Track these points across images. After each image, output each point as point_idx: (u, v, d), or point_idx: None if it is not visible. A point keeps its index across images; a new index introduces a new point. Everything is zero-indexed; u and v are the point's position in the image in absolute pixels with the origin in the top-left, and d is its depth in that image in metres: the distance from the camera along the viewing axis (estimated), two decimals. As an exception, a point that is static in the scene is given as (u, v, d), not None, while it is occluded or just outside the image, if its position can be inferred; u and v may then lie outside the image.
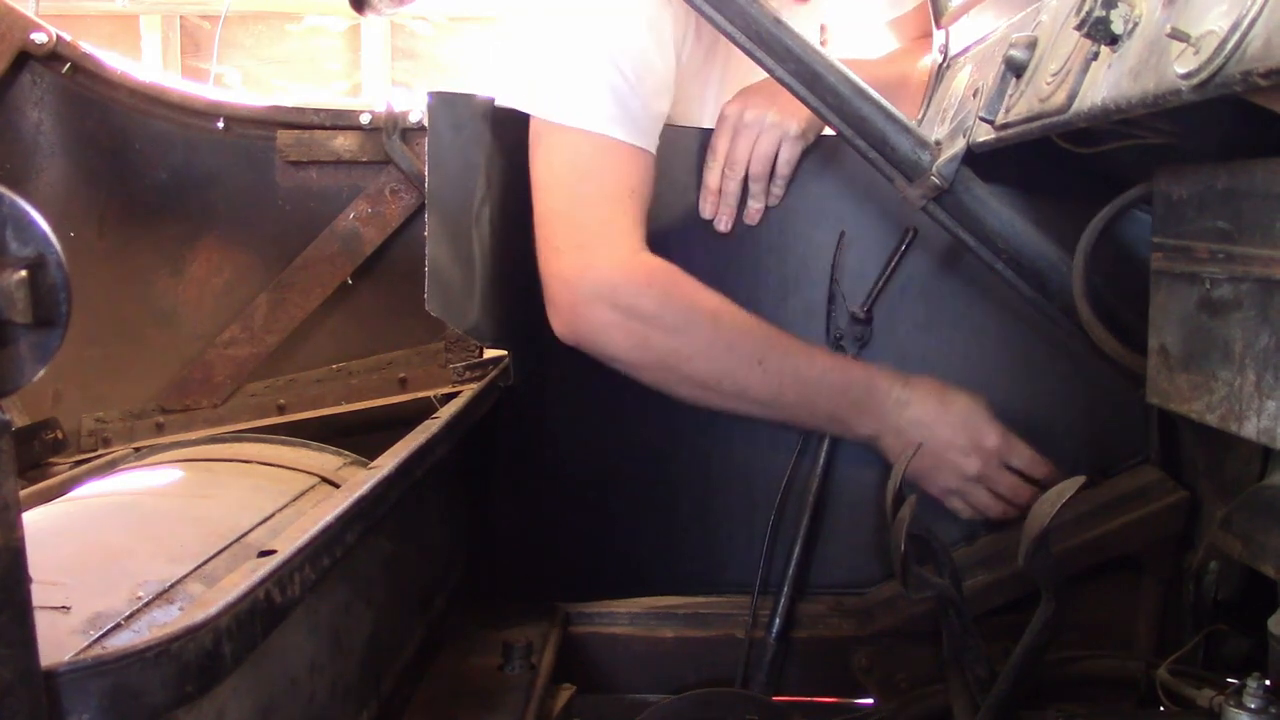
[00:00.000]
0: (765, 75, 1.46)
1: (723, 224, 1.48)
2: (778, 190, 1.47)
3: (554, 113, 1.38)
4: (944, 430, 1.38)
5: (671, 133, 1.49)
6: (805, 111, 1.33)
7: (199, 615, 0.60)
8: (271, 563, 0.71)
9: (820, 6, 1.65)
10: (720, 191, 1.46)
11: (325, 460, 1.38)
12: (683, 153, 1.48)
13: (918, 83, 1.52)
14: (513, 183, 1.45)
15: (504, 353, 1.55)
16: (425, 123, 1.54)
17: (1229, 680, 1.01)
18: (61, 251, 0.51)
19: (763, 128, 1.42)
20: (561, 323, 1.39)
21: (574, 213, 1.38)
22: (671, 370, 1.38)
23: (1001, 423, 1.40)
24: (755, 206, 1.47)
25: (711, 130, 1.49)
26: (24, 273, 0.50)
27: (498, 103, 1.43)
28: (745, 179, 1.45)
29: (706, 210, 1.48)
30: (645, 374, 1.40)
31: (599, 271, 1.36)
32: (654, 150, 1.42)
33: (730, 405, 1.42)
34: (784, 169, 1.45)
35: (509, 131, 1.44)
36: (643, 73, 1.38)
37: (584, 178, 1.38)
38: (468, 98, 1.41)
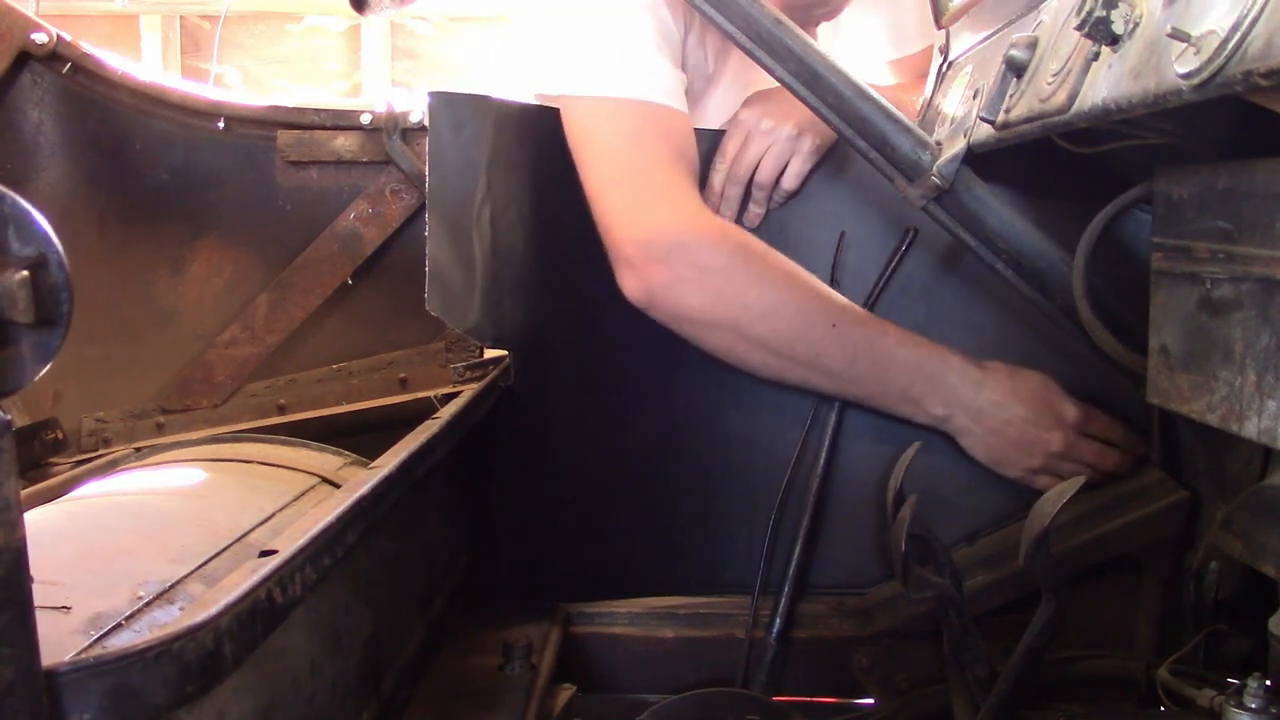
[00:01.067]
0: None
1: None
2: (780, 200, 1.47)
3: (596, 87, 1.39)
4: (1021, 409, 1.37)
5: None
6: (822, 126, 1.33)
7: (200, 615, 0.60)
8: (272, 563, 0.71)
9: (825, 38, 1.67)
10: (722, 195, 1.46)
11: (326, 460, 1.38)
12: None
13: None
14: (513, 183, 1.45)
15: (504, 353, 1.55)
16: (426, 123, 1.54)
17: (1229, 680, 1.02)
18: (63, 251, 0.51)
19: (776, 139, 1.43)
20: (636, 283, 1.37)
21: (633, 177, 1.38)
22: (744, 330, 1.37)
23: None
24: (755, 211, 1.47)
25: (716, 131, 1.49)
26: (25, 272, 0.50)
27: (535, 94, 1.44)
28: (750, 184, 1.46)
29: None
30: (717, 335, 1.38)
31: (670, 229, 1.36)
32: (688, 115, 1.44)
33: (800, 375, 1.40)
34: (791, 182, 1.45)
35: (510, 131, 1.45)
36: (663, 43, 1.42)
37: (636, 144, 1.39)
38: (468, 97, 1.42)
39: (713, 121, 1.59)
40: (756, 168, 1.44)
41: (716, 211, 1.47)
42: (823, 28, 1.69)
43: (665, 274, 1.36)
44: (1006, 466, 1.40)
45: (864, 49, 1.74)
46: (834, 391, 1.43)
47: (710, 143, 1.48)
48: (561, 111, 1.43)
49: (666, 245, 1.35)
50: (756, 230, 1.48)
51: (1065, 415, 1.36)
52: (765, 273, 1.37)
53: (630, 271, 1.38)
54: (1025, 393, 1.37)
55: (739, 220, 1.48)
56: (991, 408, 1.37)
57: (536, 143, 1.46)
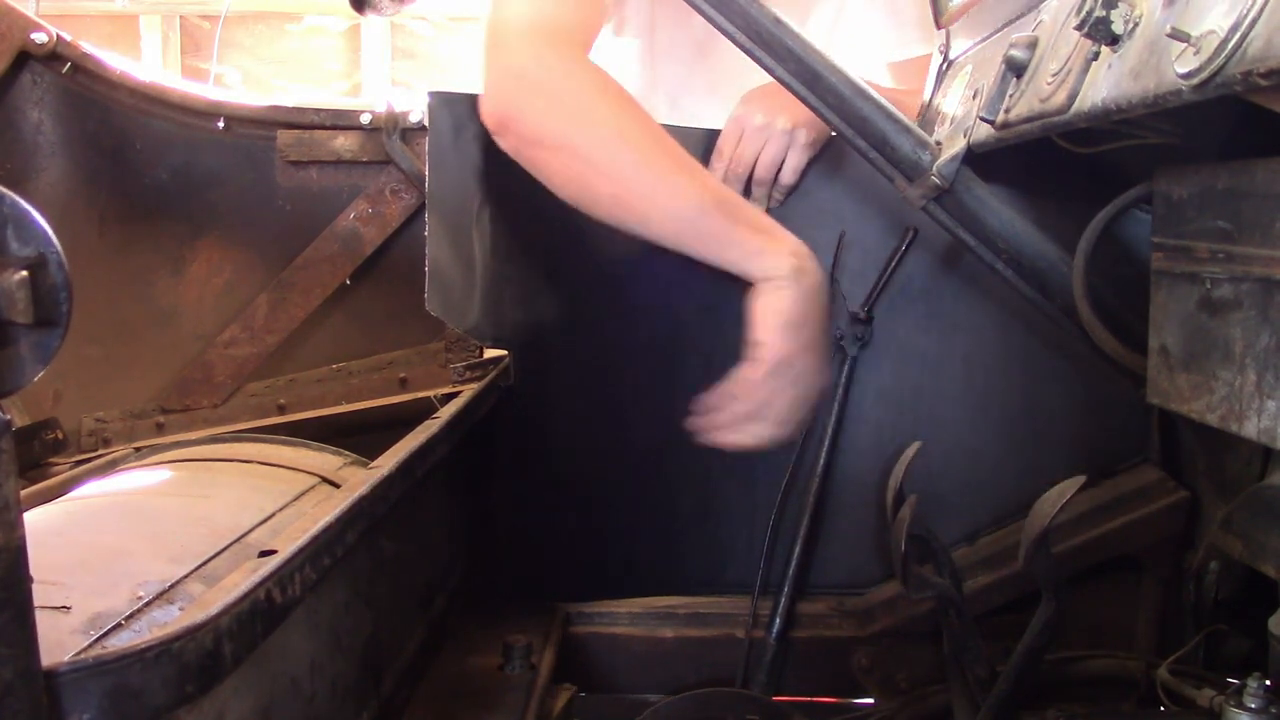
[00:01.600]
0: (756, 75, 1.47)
1: None
2: (779, 197, 1.47)
3: None
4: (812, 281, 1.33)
5: (675, 133, 1.49)
6: (816, 120, 1.33)
7: (199, 615, 0.60)
8: (272, 563, 0.71)
9: (823, 33, 1.66)
10: None
11: (325, 460, 1.38)
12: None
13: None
14: (513, 183, 1.45)
15: (504, 353, 1.55)
16: (425, 123, 1.54)
17: (1229, 680, 1.02)
18: (62, 251, 0.51)
19: (771, 133, 1.42)
20: (494, 101, 1.36)
21: (526, 11, 1.39)
22: (591, 155, 1.32)
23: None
24: (756, 209, 1.47)
25: (712, 131, 1.49)
26: (25, 273, 0.49)
27: None
28: (749, 182, 1.45)
29: None
30: (565, 161, 1.34)
31: (539, 53, 1.35)
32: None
33: (647, 212, 1.33)
34: (789, 177, 1.45)
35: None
36: None
37: (537, 10, 1.39)
38: (468, 97, 1.42)
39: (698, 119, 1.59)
40: (755, 165, 1.44)
41: None
42: (824, 18, 1.68)
43: (522, 91, 1.35)
44: (790, 333, 1.31)
45: (866, 47, 1.73)
46: (675, 233, 1.34)
47: (706, 143, 1.48)
48: None
49: (529, 65, 1.35)
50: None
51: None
52: (621, 102, 1.35)
53: (494, 93, 1.37)
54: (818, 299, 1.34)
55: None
56: (821, 285, 1.34)
57: (536, 142, 1.46)
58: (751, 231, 1.33)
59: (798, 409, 1.34)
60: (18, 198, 0.50)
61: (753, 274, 1.33)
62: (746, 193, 1.46)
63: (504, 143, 1.37)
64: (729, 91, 1.50)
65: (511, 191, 1.46)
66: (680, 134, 1.48)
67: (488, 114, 1.37)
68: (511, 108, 1.35)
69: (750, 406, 1.33)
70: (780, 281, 1.32)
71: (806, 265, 1.33)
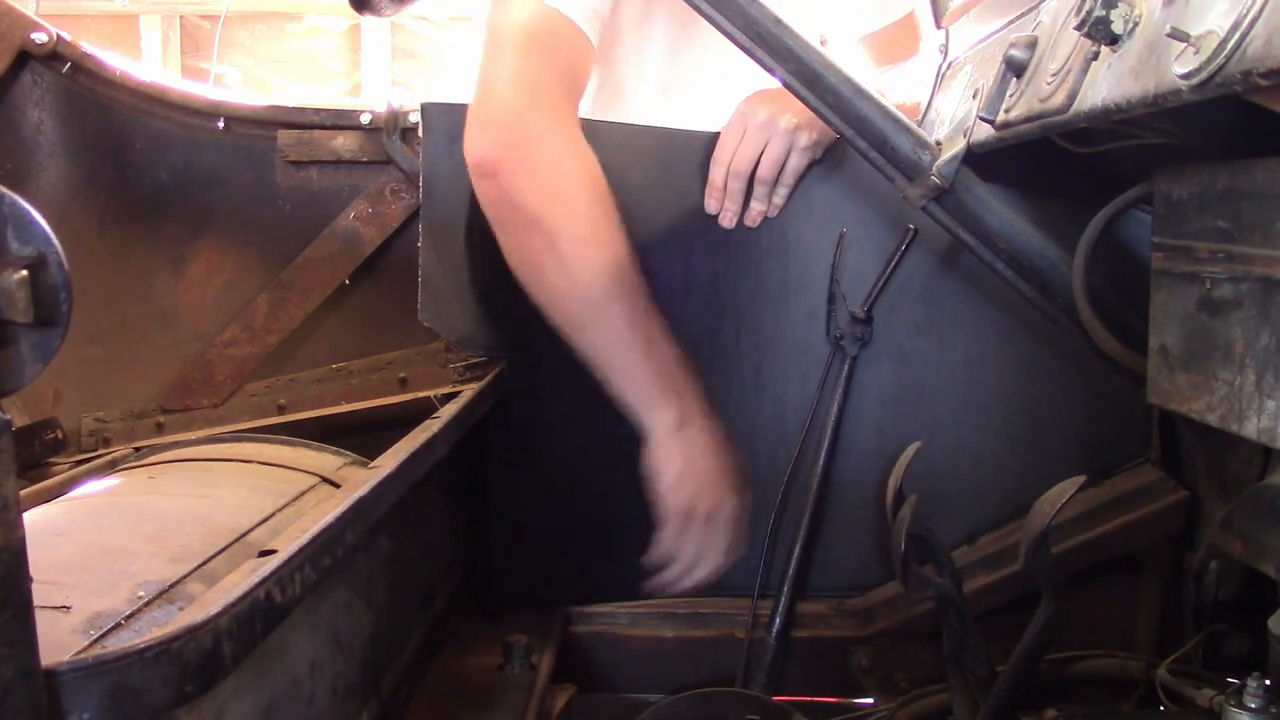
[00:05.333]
0: (713, 46, 1.46)
1: (726, 220, 1.47)
2: (779, 200, 1.47)
3: None
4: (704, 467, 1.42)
5: (674, 135, 1.49)
6: (819, 123, 1.33)
7: (199, 615, 0.60)
8: (272, 562, 0.71)
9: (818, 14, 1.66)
10: (725, 189, 1.46)
11: (325, 460, 1.38)
12: (684, 154, 1.48)
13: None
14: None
15: (504, 353, 1.55)
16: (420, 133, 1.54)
17: (1229, 680, 1.02)
18: (62, 251, 0.51)
19: (774, 132, 1.42)
20: (489, 148, 1.37)
21: (521, 62, 1.39)
22: (558, 241, 1.36)
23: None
24: (757, 209, 1.47)
25: (713, 134, 1.48)
26: (25, 272, 0.50)
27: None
28: (751, 180, 1.45)
29: (711, 205, 1.47)
30: (533, 236, 1.37)
31: (543, 122, 1.37)
32: (595, 43, 1.46)
33: (584, 313, 1.39)
34: (789, 178, 1.45)
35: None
36: None
37: (533, 39, 1.40)
38: (462, 107, 1.41)
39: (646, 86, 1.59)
40: (758, 163, 1.44)
41: (720, 207, 1.47)
42: None
43: (509, 152, 1.36)
44: (676, 490, 1.42)
45: (856, 20, 1.74)
46: (596, 352, 1.40)
47: (705, 145, 1.48)
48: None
49: (537, 134, 1.36)
50: (758, 231, 1.48)
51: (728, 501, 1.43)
52: (595, 193, 1.37)
53: (489, 134, 1.37)
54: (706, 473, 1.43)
55: (741, 218, 1.48)
56: (707, 434, 1.41)
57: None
58: (653, 381, 1.39)
59: (726, 539, 1.44)
60: (18, 197, 0.50)
61: (642, 427, 1.42)
62: (748, 192, 1.46)
63: (484, 187, 1.38)
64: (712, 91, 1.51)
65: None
66: (679, 136, 1.48)
67: (473, 159, 1.38)
68: (508, 164, 1.36)
69: (685, 558, 1.44)
70: (660, 438, 1.40)
71: (690, 419, 1.40)
